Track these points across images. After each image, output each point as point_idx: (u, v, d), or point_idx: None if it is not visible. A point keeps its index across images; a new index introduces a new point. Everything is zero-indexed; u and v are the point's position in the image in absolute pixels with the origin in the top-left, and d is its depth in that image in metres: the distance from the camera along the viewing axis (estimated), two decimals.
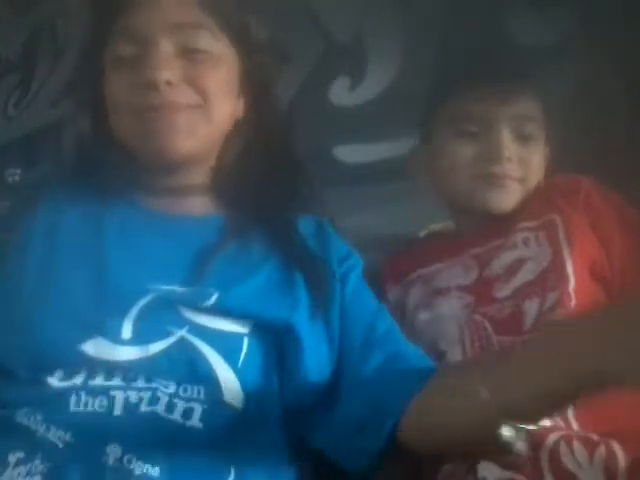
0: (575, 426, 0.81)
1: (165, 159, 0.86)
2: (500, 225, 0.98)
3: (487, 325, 0.91)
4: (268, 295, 0.84)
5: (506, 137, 0.97)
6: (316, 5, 1.42)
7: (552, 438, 0.79)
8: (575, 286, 0.88)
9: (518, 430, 0.61)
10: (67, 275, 0.82)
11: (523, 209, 0.98)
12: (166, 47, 0.83)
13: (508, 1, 1.28)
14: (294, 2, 1.43)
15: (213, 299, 0.81)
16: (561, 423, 0.81)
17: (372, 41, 1.40)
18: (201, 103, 0.85)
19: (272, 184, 0.93)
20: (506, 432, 0.61)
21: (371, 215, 1.37)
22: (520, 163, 0.98)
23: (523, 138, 0.99)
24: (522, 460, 0.72)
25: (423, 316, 0.98)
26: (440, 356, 0.93)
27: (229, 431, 0.78)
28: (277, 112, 0.97)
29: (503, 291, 0.93)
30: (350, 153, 1.41)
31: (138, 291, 0.80)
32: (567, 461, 0.78)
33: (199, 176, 0.91)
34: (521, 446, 0.61)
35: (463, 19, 1.28)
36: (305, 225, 0.93)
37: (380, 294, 1.01)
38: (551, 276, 0.90)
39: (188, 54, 0.85)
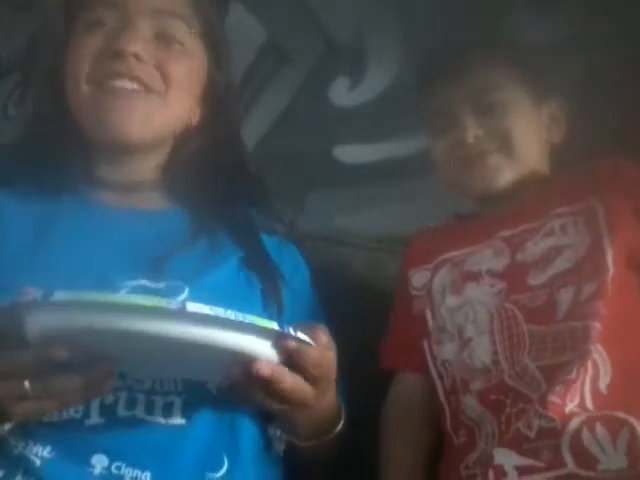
0: (591, 407, 0.79)
1: (116, 141, 0.86)
2: (530, 207, 0.94)
3: (517, 313, 0.87)
4: (231, 290, 0.85)
5: (468, 119, 0.96)
6: (316, 5, 1.42)
7: (574, 424, 0.78)
8: (613, 276, 0.86)
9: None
10: (18, 272, 0.75)
11: (556, 191, 0.95)
12: (143, 28, 0.85)
13: (508, 1, 1.28)
14: (294, 2, 1.44)
15: (185, 294, 0.80)
16: (577, 409, 0.79)
17: (372, 41, 1.40)
18: (163, 90, 0.86)
19: (223, 186, 0.94)
20: None
21: (371, 215, 1.37)
22: (489, 135, 0.96)
23: (487, 109, 0.96)
24: None
25: (451, 301, 0.94)
26: (465, 343, 0.90)
27: (213, 419, 0.77)
28: (233, 125, 0.98)
29: (538, 279, 0.89)
30: (350, 153, 1.41)
31: (107, 288, 0.76)
32: (589, 445, 0.76)
33: (149, 172, 0.93)
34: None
35: (463, 19, 1.28)
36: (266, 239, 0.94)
37: (402, 282, 1.01)
38: (589, 265, 0.87)
39: (163, 40, 0.86)
